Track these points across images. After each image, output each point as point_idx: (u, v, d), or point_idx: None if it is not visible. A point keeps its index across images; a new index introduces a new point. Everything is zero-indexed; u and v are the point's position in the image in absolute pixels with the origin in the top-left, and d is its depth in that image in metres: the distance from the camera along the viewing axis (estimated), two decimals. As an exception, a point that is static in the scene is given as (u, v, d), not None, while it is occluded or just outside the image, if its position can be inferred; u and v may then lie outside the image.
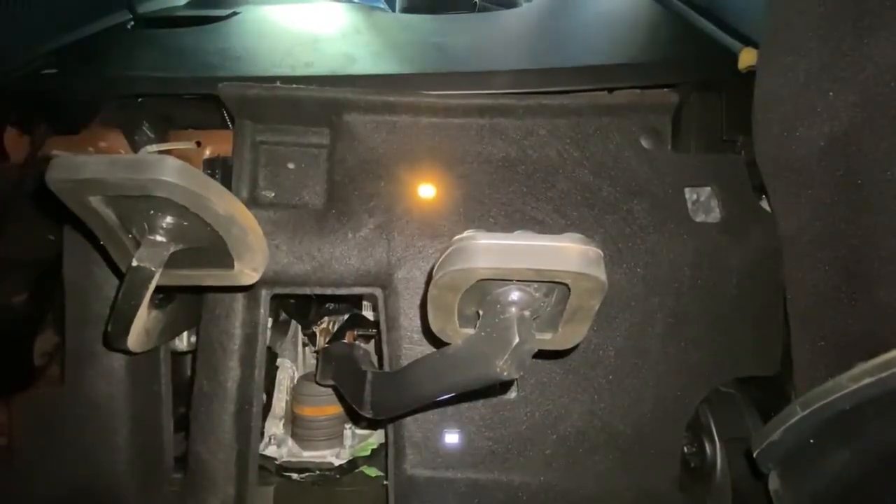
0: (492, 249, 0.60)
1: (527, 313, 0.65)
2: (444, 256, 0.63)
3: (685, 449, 1.15)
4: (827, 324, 0.95)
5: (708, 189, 1.13)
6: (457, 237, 0.62)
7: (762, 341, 1.10)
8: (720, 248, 1.07)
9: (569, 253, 0.59)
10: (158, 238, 0.70)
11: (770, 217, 1.08)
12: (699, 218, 1.12)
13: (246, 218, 0.71)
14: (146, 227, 0.69)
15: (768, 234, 1.07)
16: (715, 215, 1.12)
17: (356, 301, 1.41)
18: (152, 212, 0.68)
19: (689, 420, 1.10)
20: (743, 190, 1.12)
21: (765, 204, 1.12)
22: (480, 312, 0.69)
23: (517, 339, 0.62)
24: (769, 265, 1.08)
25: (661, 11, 1.44)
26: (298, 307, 1.37)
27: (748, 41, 1.13)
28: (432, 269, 0.65)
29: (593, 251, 0.60)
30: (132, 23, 1.52)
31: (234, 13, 1.55)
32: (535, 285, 0.65)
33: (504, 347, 0.62)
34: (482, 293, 0.67)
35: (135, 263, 0.67)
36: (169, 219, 0.70)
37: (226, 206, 0.68)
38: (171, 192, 0.63)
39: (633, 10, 1.48)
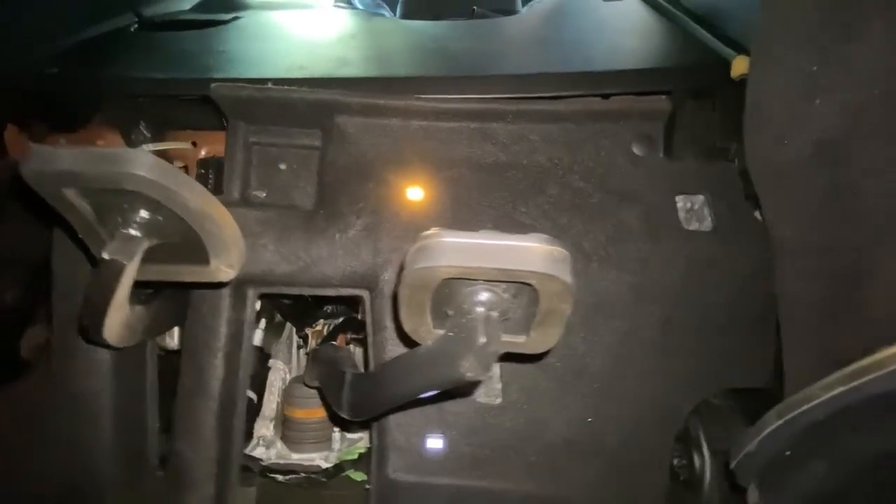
0: (455, 248, 0.59)
1: (494, 314, 0.64)
2: (409, 255, 0.62)
3: (675, 461, 1.13)
4: (817, 335, 0.93)
5: (702, 197, 1.12)
6: (422, 234, 0.62)
7: (753, 352, 1.08)
8: (711, 256, 1.06)
9: (532, 253, 0.58)
10: (132, 232, 0.70)
11: (762, 226, 1.06)
12: (692, 226, 1.11)
13: (220, 214, 0.72)
14: (120, 220, 0.70)
15: (761, 244, 1.06)
16: (708, 224, 1.10)
17: (355, 304, 1.41)
18: (126, 205, 0.69)
19: (680, 432, 1.08)
20: (735, 198, 1.10)
21: (759, 213, 1.10)
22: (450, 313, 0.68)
23: (482, 340, 0.61)
24: (761, 275, 1.06)
25: (658, 19, 1.43)
26: (293, 309, 1.37)
27: (743, 49, 1.12)
28: (401, 268, 0.65)
29: (558, 252, 0.59)
30: (136, 26, 1.55)
31: (236, 17, 1.57)
32: (503, 286, 0.65)
33: (469, 348, 0.62)
34: (452, 293, 0.67)
35: (105, 256, 0.68)
36: (143, 213, 0.70)
37: (198, 201, 0.68)
38: (143, 186, 0.64)
39: (630, 18, 1.48)
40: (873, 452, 0.60)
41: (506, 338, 0.70)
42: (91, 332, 0.75)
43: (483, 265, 0.58)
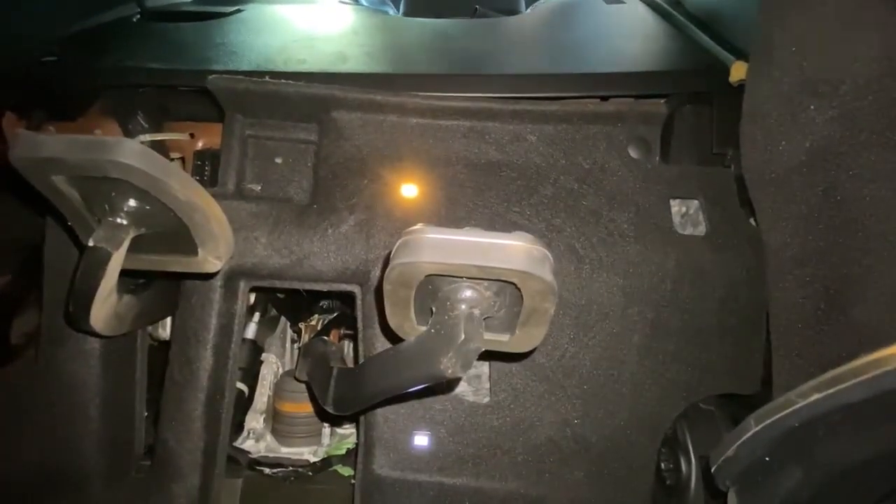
0: (436, 244, 0.59)
1: (476, 312, 0.64)
2: (393, 250, 0.63)
3: (662, 465, 1.13)
4: (806, 342, 0.93)
5: (696, 202, 1.11)
6: (406, 230, 0.62)
7: (743, 359, 1.07)
8: (704, 261, 1.05)
9: (512, 251, 0.58)
10: (119, 220, 0.70)
11: (756, 232, 1.06)
12: (686, 231, 1.10)
13: (209, 205, 0.72)
14: (108, 208, 0.70)
15: (754, 250, 1.05)
16: (702, 229, 1.10)
17: (351, 300, 1.41)
18: (114, 194, 0.69)
19: (667, 436, 1.08)
20: (731, 204, 1.10)
21: (754, 220, 1.10)
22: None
23: (462, 337, 0.61)
24: (754, 281, 1.05)
25: (661, 23, 1.43)
26: (288, 303, 1.38)
27: (743, 55, 1.11)
28: (385, 264, 0.65)
29: (538, 250, 0.59)
30: (138, 16, 1.55)
31: (239, 10, 1.57)
32: (486, 284, 0.65)
33: (449, 345, 0.62)
34: (436, 290, 0.67)
35: (91, 243, 0.68)
36: (131, 202, 0.70)
37: (187, 192, 0.68)
38: (129, 174, 0.64)
39: (632, 21, 1.48)
40: (850, 460, 0.59)
41: (490, 336, 0.70)
42: (77, 319, 0.75)
43: (463, 262, 0.58)
